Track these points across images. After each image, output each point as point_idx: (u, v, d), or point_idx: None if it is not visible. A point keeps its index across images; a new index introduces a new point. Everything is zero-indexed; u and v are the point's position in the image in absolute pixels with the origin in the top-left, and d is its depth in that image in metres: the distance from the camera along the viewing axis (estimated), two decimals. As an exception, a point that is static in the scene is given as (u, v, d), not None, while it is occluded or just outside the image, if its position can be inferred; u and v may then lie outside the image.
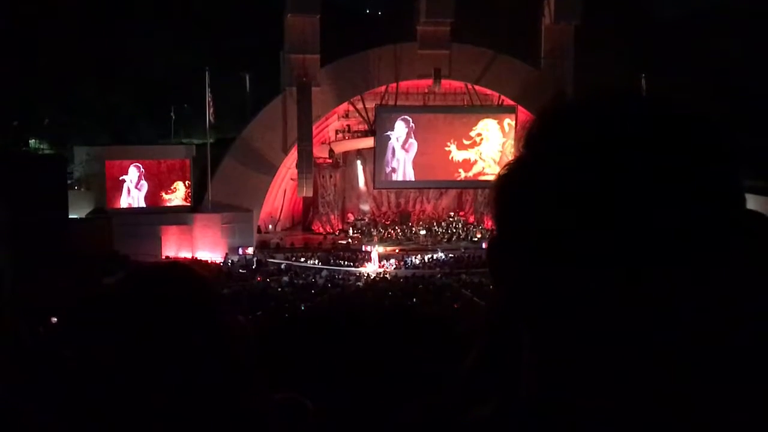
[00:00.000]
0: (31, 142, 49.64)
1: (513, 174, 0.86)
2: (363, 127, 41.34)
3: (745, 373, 0.77)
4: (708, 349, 0.78)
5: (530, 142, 0.85)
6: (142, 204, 37.08)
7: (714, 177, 0.78)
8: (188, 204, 37.55)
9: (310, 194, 38.89)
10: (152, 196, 37.11)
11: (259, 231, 39.02)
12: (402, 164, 40.60)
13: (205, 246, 35.98)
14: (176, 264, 1.56)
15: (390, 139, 40.23)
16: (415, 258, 36.34)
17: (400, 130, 40.38)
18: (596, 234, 0.77)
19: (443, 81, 39.31)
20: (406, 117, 40.27)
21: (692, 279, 0.77)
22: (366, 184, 42.09)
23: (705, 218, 0.77)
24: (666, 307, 0.77)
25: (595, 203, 0.77)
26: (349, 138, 41.86)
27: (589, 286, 0.78)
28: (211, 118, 37.90)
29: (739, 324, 0.77)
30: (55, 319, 11.48)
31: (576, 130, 0.82)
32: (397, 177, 40.99)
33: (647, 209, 0.76)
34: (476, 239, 39.28)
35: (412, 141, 40.39)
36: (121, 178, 36.70)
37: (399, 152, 40.46)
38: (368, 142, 40.97)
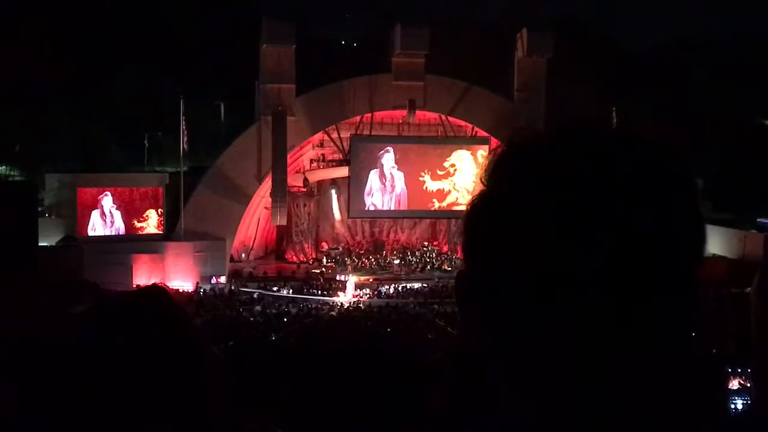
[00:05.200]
0: (2, 168, 49.10)
1: (476, 208, 0.88)
2: (338, 156, 41.42)
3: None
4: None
5: (491, 176, 0.88)
6: (115, 232, 36.64)
7: (659, 220, 0.80)
8: (161, 232, 37.17)
9: (284, 223, 38.73)
10: (124, 224, 36.71)
11: (231, 260, 38.71)
12: (395, 195, 41.01)
13: (177, 275, 35.56)
14: (150, 291, 1.54)
15: (384, 168, 40.53)
16: (389, 287, 36.22)
17: (390, 160, 40.63)
18: (559, 261, 0.79)
19: (417, 112, 39.59)
20: (389, 148, 40.57)
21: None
22: (340, 212, 42.06)
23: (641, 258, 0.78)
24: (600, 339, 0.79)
25: (550, 237, 0.79)
26: (323, 167, 41.91)
27: (552, 317, 0.79)
28: (185, 146, 37.73)
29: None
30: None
31: (531, 167, 0.84)
32: (392, 207, 41.16)
33: (597, 247, 0.78)
34: (449, 269, 39.32)
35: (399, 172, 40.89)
36: (99, 205, 36.21)
37: (398, 182, 40.72)
38: (343, 172, 41.02)
